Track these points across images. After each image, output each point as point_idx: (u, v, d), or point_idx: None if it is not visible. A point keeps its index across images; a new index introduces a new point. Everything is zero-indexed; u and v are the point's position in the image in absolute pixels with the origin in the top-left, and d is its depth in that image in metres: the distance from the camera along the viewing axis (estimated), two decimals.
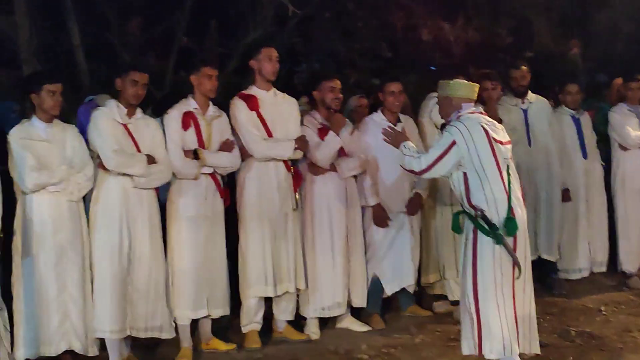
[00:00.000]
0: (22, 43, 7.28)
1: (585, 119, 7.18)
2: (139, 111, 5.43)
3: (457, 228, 4.86)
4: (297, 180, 5.84)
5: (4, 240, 5.03)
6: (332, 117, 5.93)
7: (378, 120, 6.16)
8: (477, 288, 4.61)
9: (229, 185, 5.74)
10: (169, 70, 8.67)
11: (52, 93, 5.10)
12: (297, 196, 5.83)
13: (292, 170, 5.80)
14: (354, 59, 10.79)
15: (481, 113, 4.90)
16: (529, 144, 6.78)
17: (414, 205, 6.17)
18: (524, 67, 6.93)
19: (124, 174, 5.22)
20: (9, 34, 7.40)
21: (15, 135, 5.08)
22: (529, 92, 6.95)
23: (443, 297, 6.45)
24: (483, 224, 4.60)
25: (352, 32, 11.50)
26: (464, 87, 4.91)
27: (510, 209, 4.63)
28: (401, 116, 6.24)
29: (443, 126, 5.07)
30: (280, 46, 9.22)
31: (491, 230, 4.58)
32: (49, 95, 5.10)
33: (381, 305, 6.24)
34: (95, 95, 6.39)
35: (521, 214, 4.73)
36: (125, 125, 5.31)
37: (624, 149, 7.12)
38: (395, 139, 5.05)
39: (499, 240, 4.57)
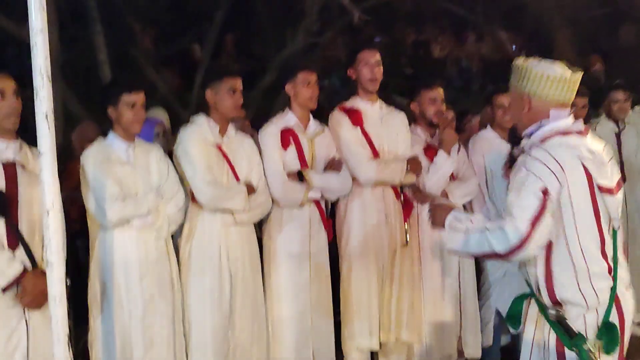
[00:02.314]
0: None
1: None
2: (231, 127, 4.49)
3: (516, 321, 3.22)
4: (408, 209, 4.92)
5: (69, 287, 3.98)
6: (442, 134, 5.04)
7: (489, 137, 5.29)
8: None
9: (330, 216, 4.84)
10: (196, 86, 7.80)
11: (132, 105, 4.09)
12: (407, 227, 4.91)
13: (402, 197, 4.91)
14: None
15: (580, 133, 3.10)
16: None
17: None
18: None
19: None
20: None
21: (92, 157, 4.03)
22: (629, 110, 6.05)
23: None
24: (561, 330, 3.04)
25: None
26: (558, 84, 3.06)
27: (612, 305, 3.04)
28: None
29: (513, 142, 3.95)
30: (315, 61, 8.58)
31: (576, 342, 2.99)
32: (128, 107, 4.07)
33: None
34: None
35: (630, 309, 3.13)
36: (219, 147, 4.37)
37: None
38: (437, 216, 3.18)
39: (586, 357, 2.98)
